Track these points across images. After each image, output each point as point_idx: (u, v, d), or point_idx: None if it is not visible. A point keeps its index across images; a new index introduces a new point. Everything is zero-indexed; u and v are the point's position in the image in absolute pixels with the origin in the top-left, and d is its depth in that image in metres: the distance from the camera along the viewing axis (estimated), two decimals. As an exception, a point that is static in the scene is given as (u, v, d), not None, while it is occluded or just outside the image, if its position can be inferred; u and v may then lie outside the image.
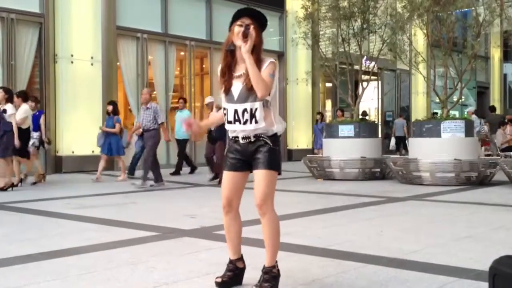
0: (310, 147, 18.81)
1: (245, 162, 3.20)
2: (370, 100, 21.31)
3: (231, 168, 3.24)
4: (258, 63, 3.11)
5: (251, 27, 3.10)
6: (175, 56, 15.51)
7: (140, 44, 14.47)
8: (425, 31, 11.65)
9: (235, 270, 3.30)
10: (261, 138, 3.14)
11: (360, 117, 15.69)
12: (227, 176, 3.25)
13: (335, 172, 11.18)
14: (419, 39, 14.74)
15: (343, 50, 12.60)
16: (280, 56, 18.23)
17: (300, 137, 18.69)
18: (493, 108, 18.64)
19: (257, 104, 3.09)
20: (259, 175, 3.12)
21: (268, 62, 3.14)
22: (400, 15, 12.11)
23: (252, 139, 3.15)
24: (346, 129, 11.53)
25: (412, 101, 23.92)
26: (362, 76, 13.05)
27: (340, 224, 5.80)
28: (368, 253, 4.23)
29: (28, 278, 3.56)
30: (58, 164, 12.87)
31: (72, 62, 13.00)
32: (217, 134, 10.22)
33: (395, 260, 4.01)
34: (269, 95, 3.12)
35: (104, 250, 4.42)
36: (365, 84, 12.66)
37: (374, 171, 11.23)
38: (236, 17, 3.16)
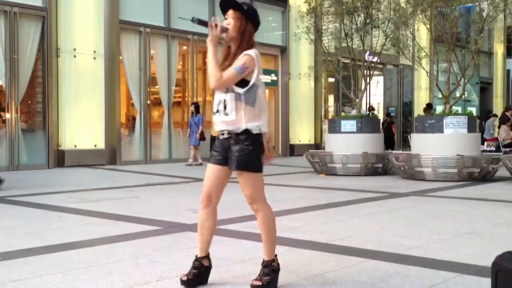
0: (312, 142, 18.83)
1: (223, 157, 3.19)
2: (373, 95, 21.29)
3: (212, 161, 3.25)
4: (239, 51, 3.11)
5: (227, 19, 3.13)
6: (178, 51, 15.49)
7: (143, 38, 14.45)
8: (428, 26, 11.63)
9: (201, 268, 3.25)
10: (232, 136, 3.12)
11: (367, 112, 15.68)
12: (209, 168, 3.26)
13: (337, 167, 11.18)
14: (422, 34, 14.71)
15: (346, 45, 12.57)
16: (283, 50, 18.22)
17: (302, 132, 18.68)
18: (430, 106, 18.88)
19: (228, 96, 3.09)
20: (238, 177, 3.15)
21: (242, 54, 3.10)
22: (404, 10, 12.08)
23: (226, 136, 3.15)
24: (348, 124, 11.52)
25: (414, 97, 23.87)
26: (365, 71, 13.03)
27: (342, 219, 5.80)
28: (370, 248, 4.24)
29: (30, 271, 3.57)
30: (60, 158, 12.89)
31: (74, 56, 13.00)
32: None
33: (396, 255, 4.01)
34: (241, 88, 3.08)
35: (106, 244, 4.43)
36: (367, 79, 12.64)
37: (376, 167, 11.23)
38: (223, 10, 3.19)
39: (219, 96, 3.15)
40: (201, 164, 13.46)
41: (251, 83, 3.11)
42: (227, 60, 3.17)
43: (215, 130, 3.26)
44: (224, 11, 3.19)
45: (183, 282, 3.19)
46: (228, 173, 3.22)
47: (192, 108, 14.14)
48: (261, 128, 3.17)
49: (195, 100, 15.34)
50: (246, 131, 3.11)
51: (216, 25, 3.06)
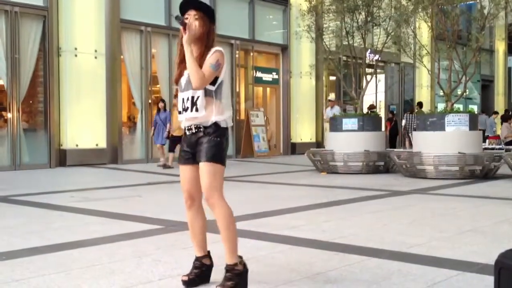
0: (313, 140, 18.82)
1: (192, 155, 3.17)
2: (373, 94, 21.27)
3: (182, 162, 3.23)
4: (206, 51, 3.10)
5: (190, 18, 3.10)
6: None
7: (144, 37, 14.46)
8: (429, 24, 11.61)
9: (202, 268, 3.23)
10: (200, 129, 3.11)
11: (367, 110, 15.66)
12: (182, 169, 3.24)
13: (339, 166, 11.17)
14: (424, 32, 14.70)
15: (347, 43, 12.56)
16: (284, 49, 18.20)
17: (303, 130, 18.67)
18: (421, 105, 19.05)
19: (199, 93, 3.08)
20: (201, 168, 3.09)
21: (213, 51, 3.09)
22: (405, 8, 12.07)
23: (194, 130, 3.14)
24: (349, 123, 11.51)
25: (416, 95, 23.85)
26: (366, 69, 13.02)
27: (343, 217, 5.80)
28: (371, 246, 4.24)
29: (33, 271, 3.57)
30: (62, 157, 12.91)
31: (76, 56, 13.00)
32: None
33: (398, 253, 4.01)
34: (213, 85, 3.09)
35: (108, 243, 4.44)
36: (368, 77, 12.63)
37: (378, 165, 11.22)
38: (182, 11, 3.15)
39: (185, 94, 3.14)
40: (170, 167, 12.26)
41: (220, 79, 3.12)
42: (183, 61, 3.14)
43: (181, 127, 3.25)
44: (184, 12, 3.14)
45: (184, 283, 3.17)
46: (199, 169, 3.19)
47: (161, 104, 12.92)
48: (227, 122, 3.17)
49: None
50: (215, 124, 3.11)
51: (185, 26, 3.06)
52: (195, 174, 3.17)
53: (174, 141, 12.19)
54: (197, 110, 3.08)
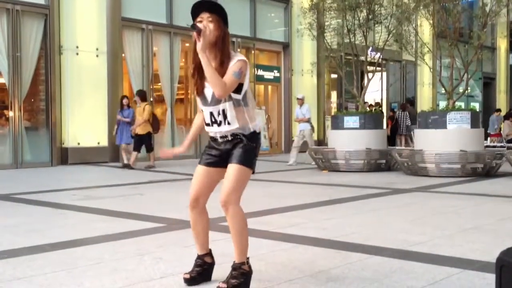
0: (315, 138, 18.76)
1: (220, 158, 3.12)
2: (376, 91, 21.26)
3: (202, 163, 3.18)
4: (224, 58, 3.00)
5: (204, 21, 2.97)
6: (180, 48, 15.47)
7: (145, 35, 14.46)
8: (431, 22, 11.59)
9: (204, 265, 3.23)
10: (238, 137, 3.07)
11: (374, 108, 15.62)
12: (199, 170, 3.18)
13: (340, 164, 11.17)
14: (425, 30, 14.66)
15: (348, 41, 12.55)
16: (285, 47, 18.19)
17: (305, 128, 18.63)
18: (412, 102, 19.01)
19: (227, 105, 3.01)
20: (230, 169, 3.04)
21: (236, 60, 2.98)
22: (406, 6, 12.05)
23: (230, 138, 3.09)
24: (351, 121, 11.51)
25: (417, 92, 23.83)
26: (368, 67, 13.01)
27: (345, 215, 5.80)
28: (373, 244, 4.24)
29: (35, 269, 3.58)
30: (63, 156, 12.92)
31: (77, 54, 13.01)
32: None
33: (400, 251, 4.01)
34: (239, 93, 3.02)
35: (110, 241, 4.44)
36: (370, 75, 12.63)
37: (380, 163, 11.22)
38: (195, 14, 3.02)
39: (213, 108, 3.05)
40: (129, 167, 11.69)
41: (245, 87, 3.05)
42: (199, 69, 3.03)
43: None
44: (196, 14, 3.01)
45: (186, 280, 3.18)
46: (218, 175, 3.15)
47: (125, 100, 12.19)
48: (259, 127, 3.17)
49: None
50: (253, 132, 3.09)
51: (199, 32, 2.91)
52: (211, 179, 3.16)
53: (140, 140, 11.81)
54: (229, 123, 3.04)
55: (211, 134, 3.16)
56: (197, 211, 3.21)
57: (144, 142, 11.96)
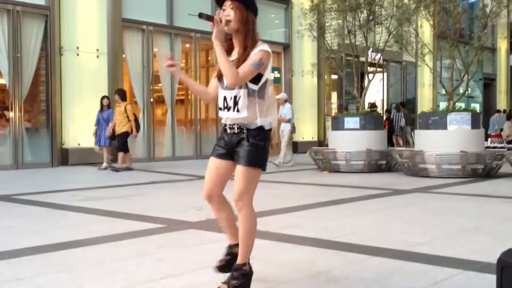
0: (315, 139, 18.81)
1: (227, 151, 3.10)
2: (376, 92, 21.26)
3: (215, 155, 3.15)
4: (247, 42, 2.97)
5: (227, 9, 2.96)
6: (181, 48, 15.49)
7: (146, 36, 14.47)
8: (431, 23, 11.60)
9: (231, 255, 3.23)
10: (243, 131, 3.02)
11: (369, 109, 15.63)
12: (211, 162, 3.16)
13: (341, 165, 11.17)
14: (426, 31, 14.68)
15: (349, 42, 12.56)
16: (286, 48, 18.19)
17: (305, 129, 18.66)
18: (404, 104, 19.25)
19: (242, 92, 2.97)
20: (238, 171, 3.02)
21: (258, 49, 2.95)
22: (407, 6, 12.06)
23: (236, 130, 3.05)
24: (351, 121, 11.51)
25: (418, 93, 23.83)
26: (368, 68, 13.01)
27: (345, 216, 5.80)
28: (373, 245, 4.24)
29: (35, 269, 3.58)
30: (64, 156, 12.93)
31: (77, 55, 13.02)
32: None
33: (401, 252, 4.01)
34: (256, 84, 2.98)
35: (111, 242, 4.44)
36: (371, 76, 12.63)
37: (380, 164, 11.22)
38: (219, 3, 3.03)
39: (228, 92, 3.02)
40: (113, 169, 11.51)
41: (264, 79, 3.00)
42: (231, 52, 3.05)
43: (222, 122, 3.17)
44: (220, 3, 3.03)
45: (216, 268, 3.20)
46: (230, 167, 3.12)
47: (105, 101, 11.93)
48: (272, 124, 3.09)
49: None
50: (259, 127, 3.03)
51: (221, 19, 2.93)
52: (224, 171, 3.12)
53: (123, 138, 11.55)
54: (238, 110, 2.98)
55: (222, 121, 3.14)
56: (214, 202, 3.18)
57: (118, 140, 11.64)
